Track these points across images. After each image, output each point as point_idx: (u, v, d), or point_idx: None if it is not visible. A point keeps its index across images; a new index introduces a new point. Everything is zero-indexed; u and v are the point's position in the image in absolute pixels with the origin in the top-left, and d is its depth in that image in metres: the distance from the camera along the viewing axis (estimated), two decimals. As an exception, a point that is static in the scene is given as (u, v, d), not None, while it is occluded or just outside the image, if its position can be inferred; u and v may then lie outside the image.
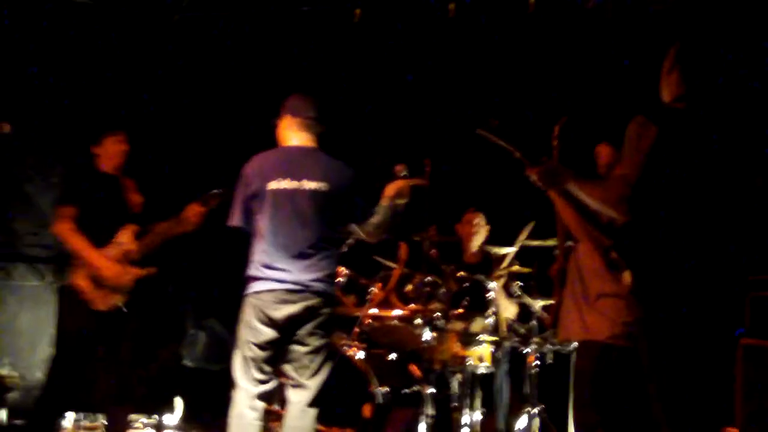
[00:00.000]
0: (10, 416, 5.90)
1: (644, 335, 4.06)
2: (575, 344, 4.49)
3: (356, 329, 5.54)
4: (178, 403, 6.47)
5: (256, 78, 6.95)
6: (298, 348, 4.28)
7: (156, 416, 5.99)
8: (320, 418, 4.39)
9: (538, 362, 5.61)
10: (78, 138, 5.81)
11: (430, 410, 5.15)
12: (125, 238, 5.25)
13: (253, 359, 4.25)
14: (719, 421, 4.98)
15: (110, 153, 5.39)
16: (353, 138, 6.54)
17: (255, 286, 4.31)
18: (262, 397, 4.28)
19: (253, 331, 4.27)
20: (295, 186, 4.32)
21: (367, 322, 5.51)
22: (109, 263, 5.15)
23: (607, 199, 3.80)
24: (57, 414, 5.35)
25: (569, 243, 4.28)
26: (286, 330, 4.26)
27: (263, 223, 4.33)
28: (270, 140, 4.55)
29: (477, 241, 6.27)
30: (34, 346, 6.29)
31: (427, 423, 5.12)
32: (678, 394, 5.19)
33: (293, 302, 4.25)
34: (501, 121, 4.19)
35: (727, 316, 5.09)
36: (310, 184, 4.32)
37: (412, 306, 5.37)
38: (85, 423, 6.00)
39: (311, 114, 4.47)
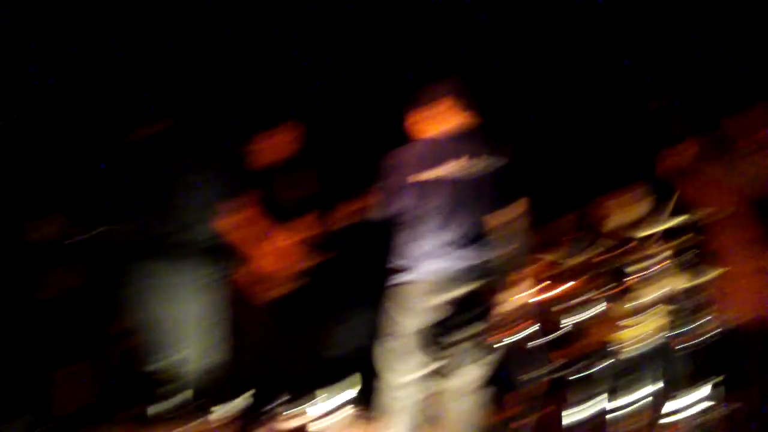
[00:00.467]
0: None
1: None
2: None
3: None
4: (356, 379, 6.48)
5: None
6: (459, 335, 4.26)
7: (336, 393, 6.02)
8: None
9: (708, 336, 5.43)
10: (241, 131, 5.87)
11: (581, 395, 5.07)
12: (294, 229, 5.28)
13: (409, 349, 4.25)
14: None
15: (280, 144, 5.42)
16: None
17: (411, 275, 4.32)
18: (418, 382, 4.27)
19: (408, 318, 4.27)
20: (452, 171, 4.32)
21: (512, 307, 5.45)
22: (268, 255, 5.22)
23: None
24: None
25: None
26: (449, 317, 4.24)
27: (425, 211, 4.33)
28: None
29: (618, 221, 6.12)
30: (206, 337, 6.37)
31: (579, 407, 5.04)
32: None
33: (456, 288, 4.24)
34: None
35: None
36: (468, 167, 4.32)
37: (558, 290, 5.29)
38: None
39: (449, 102, 4.46)
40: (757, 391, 4.08)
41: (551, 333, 5.42)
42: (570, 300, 5.22)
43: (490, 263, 4.29)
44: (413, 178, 4.35)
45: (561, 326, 5.28)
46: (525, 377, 5.15)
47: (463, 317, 4.23)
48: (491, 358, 4.28)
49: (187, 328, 6.10)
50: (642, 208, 6.03)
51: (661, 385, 5.71)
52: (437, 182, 4.31)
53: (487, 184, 4.30)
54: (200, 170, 6.08)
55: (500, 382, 5.06)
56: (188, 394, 5.91)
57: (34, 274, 5.95)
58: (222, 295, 5.46)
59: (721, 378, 5.19)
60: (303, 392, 5.61)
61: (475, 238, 4.26)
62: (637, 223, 6.01)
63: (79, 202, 6.26)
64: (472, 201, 4.28)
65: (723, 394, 5.19)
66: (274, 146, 5.43)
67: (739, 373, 4.24)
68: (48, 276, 5.96)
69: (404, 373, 4.25)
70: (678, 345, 5.40)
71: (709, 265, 4.36)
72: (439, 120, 4.46)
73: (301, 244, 5.30)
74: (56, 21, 6.28)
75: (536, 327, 5.38)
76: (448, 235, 4.27)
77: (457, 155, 4.33)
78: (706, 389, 5.27)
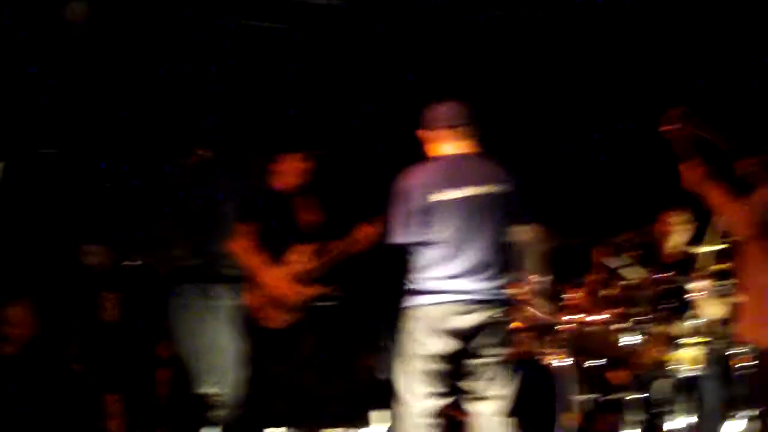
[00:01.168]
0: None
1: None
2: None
3: (553, 337, 5.47)
4: (373, 416, 6.51)
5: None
6: (480, 360, 4.18)
7: (352, 430, 6.03)
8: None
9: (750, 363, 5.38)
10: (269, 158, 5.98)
11: (635, 416, 5.02)
12: (295, 258, 5.35)
13: (428, 373, 4.17)
14: None
15: (287, 171, 5.51)
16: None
17: (429, 299, 4.21)
18: (433, 412, 4.18)
19: (428, 344, 4.18)
20: (464, 193, 4.22)
21: (564, 329, 5.43)
22: (279, 282, 5.27)
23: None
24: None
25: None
26: (467, 342, 4.16)
27: (432, 235, 4.24)
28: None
29: (674, 241, 6.07)
30: (234, 366, 6.46)
31: (633, 430, 5.00)
32: None
33: (475, 312, 4.15)
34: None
35: None
36: (479, 190, 4.22)
37: (612, 311, 5.26)
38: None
39: (461, 121, 4.36)
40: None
41: (608, 353, 5.41)
42: (625, 320, 5.16)
43: (504, 288, 4.23)
44: (424, 201, 4.26)
45: (618, 347, 5.22)
46: (581, 398, 5.13)
47: (484, 341, 4.17)
48: (515, 381, 4.21)
49: (220, 356, 6.21)
50: (692, 228, 6.03)
51: (716, 407, 5.67)
52: (449, 205, 4.23)
53: (501, 206, 4.22)
54: (229, 199, 6.20)
55: (556, 402, 5.07)
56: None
57: (85, 300, 6.07)
58: (241, 323, 5.51)
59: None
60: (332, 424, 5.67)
61: (489, 262, 4.19)
62: (690, 244, 6.00)
63: (121, 231, 6.40)
64: (485, 224, 4.20)
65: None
66: (287, 173, 5.53)
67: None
68: (97, 302, 6.08)
69: (425, 397, 4.16)
70: (734, 367, 5.36)
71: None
72: (451, 141, 4.37)
73: (312, 271, 5.38)
74: (92, 55, 6.41)
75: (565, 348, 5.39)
76: (462, 260, 4.19)
77: (468, 177, 4.26)
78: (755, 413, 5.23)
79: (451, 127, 4.36)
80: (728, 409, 5.42)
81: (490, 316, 4.16)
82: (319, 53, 6.77)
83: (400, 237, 4.32)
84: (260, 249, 5.28)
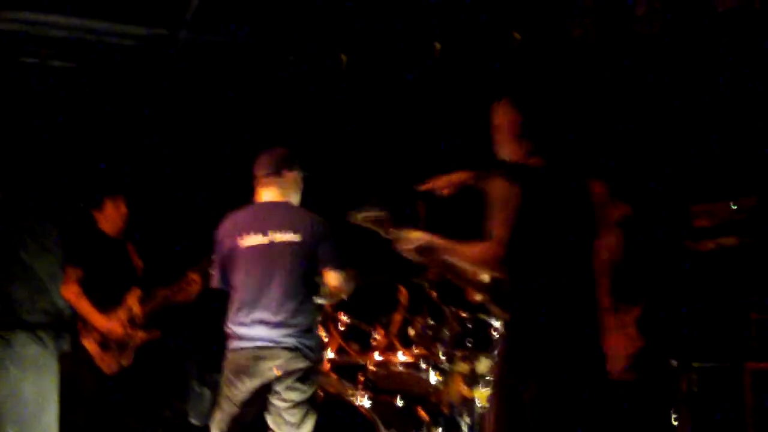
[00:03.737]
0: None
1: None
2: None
3: (361, 377, 5.50)
4: None
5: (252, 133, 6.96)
6: (277, 403, 4.31)
7: None
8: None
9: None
10: (73, 201, 5.86)
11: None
12: (132, 301, 5.28)
13: (231, 415, 4.31)
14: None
15: (111, 217, 5.47)
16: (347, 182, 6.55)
17: (232, 344, 4.36)
18: None
19: (231, 388, 4.32)
20: (265, 240, 4.36)
21: (371, 369, 5.47)
22: (114, 326, 5.19)
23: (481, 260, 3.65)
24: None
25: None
26: (262, 386, 4.28)
27: (235, 280, 4.38)
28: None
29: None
30: (39, 414, 6.24)
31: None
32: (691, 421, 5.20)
33: (266, 359, 4.27)
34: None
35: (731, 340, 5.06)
36: (279, 237, 4.35)
37: (416, 350, 5.34)
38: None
39: (270, 170, 4.50)
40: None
41: (414, 392, 5.47)
42: (430, 359, 5.24)
43: (303, 332, 4.35)
44: (229, 246, 4.41)
45: (423, 385, 5.29)
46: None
47: (278, 387, 4.30)
48: (311, 425, 4.36)
49: (23, 405, 6.02)
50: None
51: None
52: (248, 251, 4.36)
53: (303, 254, 4.35)
54: (35, 242, 6.06)
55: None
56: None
57: None
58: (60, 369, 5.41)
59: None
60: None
61: (289, 308, 4.31)
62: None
63: None
64: (284, 271, 4.32)
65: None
66: (111, 217, 5.48)
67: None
68: None
69: None
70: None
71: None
72: (264, 188, 4.52)
73: (146, 315, 5.33)
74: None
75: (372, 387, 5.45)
76: (262, 306, 4.31)
77: (269, 224, 4.38)
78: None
79: (263, 175, 4.50)
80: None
81: (289, 362, 4.27)
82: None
83: (214, 282, 4.50)
84: (90, 294, 5.28)
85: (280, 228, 4.37)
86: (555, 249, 3.58)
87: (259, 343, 4.31)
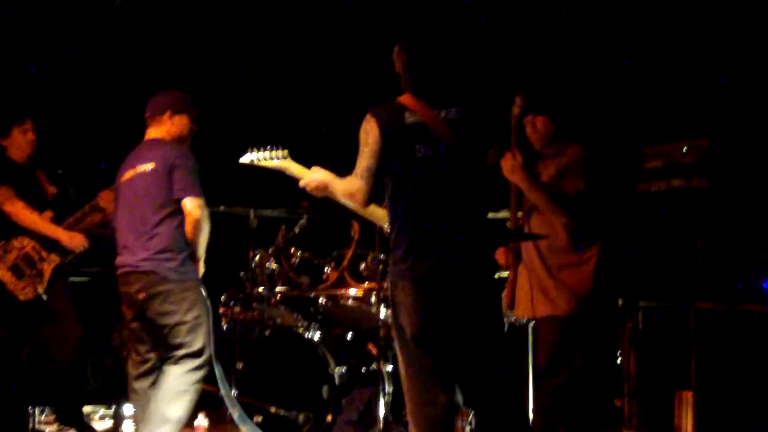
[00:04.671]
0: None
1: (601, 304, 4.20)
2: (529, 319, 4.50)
3: (311, 310, 5.52)
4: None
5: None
6: (157, 327, 4.51)
7: (114, 406, 5.88)
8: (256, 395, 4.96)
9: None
10: None
11: (388, 388, 5.14)
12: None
13: (129, 340, 4.67)
14: (674, 385, 5.03)
15: (19, 143, 5.39)
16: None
17: (118, 270, 4.64)
18: (139, 377, 4.59)
19: (125, 312, 4.63)
20: (131, 174, 4.62)
21: (322, 302, 5.48)
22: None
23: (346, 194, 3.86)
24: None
25: (520, 214, 4.33)
26: (137, 311, 4.53)
27: (115, 213, 4.72)
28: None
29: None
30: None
31: (385, 401, 5.10)
32: (635, 359, 5.29)
33: (130, 284, 4.52)
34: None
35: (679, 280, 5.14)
36: (141, 168, 4.59)
37: (366, 284, 5.34)
38: (42, 417, 5.91)
39: (153, 112, 4.73)
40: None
41: (363, 326, 5.49)
42: (379, 293, 5.24)
43: (158, 255, 4.51)
44: (116, 183, 4.76)
45: (372, 319, 5.31)
46: (337, 370, 5.19)
47: (149, 313, 4.53)
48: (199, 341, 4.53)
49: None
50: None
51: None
52: (121, 186, 4.68)
53: (159, 184, 4.53)
54: None
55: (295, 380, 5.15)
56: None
57: None
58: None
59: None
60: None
61: (144, 233, 4.52)
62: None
63: None
64: (143, 201, 4.55)
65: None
66: (19, 144, 5.41)
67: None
68: None
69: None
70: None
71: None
72: (149, 128, 4.77)
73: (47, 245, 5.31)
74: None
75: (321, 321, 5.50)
76: (124, 234, 4.60)
77: (136, 160, 4.65)
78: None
79: (149, 116, 4.75)
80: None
81: (143, 287, 4.47)
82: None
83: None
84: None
85: (144, 161, 4.60)
86: (424, 181, 3.72)
87: (122, 270, 4.57)
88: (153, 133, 4.74)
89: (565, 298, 4.22)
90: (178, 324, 4.46)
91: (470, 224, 3.73)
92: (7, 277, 5.19)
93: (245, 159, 4.14)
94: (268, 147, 4.07)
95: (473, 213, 3.77)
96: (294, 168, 4.04)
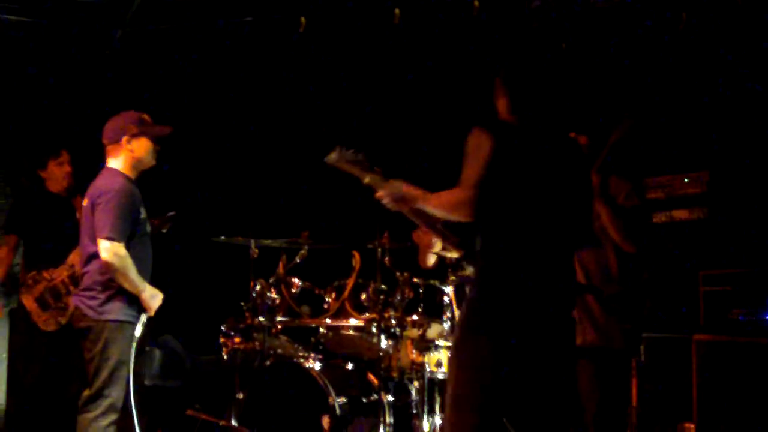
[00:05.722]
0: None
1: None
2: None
3: (312, 340, 5.51)
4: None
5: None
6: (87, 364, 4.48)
7: None
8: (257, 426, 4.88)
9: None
10: (23, 160, 5.78)
11: (389, 418, 5.11)
12: (75, 260, 5.24)
13: None
14: (676, 417, 5.01)
15: (56, 176, 5.43)
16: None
17: None
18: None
19: None
20: (84, 204, 4.61)
21: (323, 332, 5.46)
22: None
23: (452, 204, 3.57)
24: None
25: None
26: (82, 347, 4.50)
27: None
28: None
29: (437, 247, 6.20)
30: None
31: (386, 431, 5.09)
32: (637, 391, 5.26)
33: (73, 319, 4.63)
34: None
35: (680, 312, 5.13)
36: (84, 201, 4.59)
37: (367, 315, 5.33)
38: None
39: (104, 140, 4.64)
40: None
41: (363, 356, 5.48)
42: (380, 324, 5.23)
43: (85, 292, 4.52)
44: None
45: (372, 350, 5.29)
46: (337, 400, 5.16)
47: (87, 346, 4.48)
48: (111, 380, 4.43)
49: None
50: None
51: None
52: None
53: (91, 217, 4.50)
54: None
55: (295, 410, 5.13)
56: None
57: None
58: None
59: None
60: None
61: (84, 270, 4.56)
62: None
63: None
64: (84, 236, 4.56)
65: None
66: (55, 176, 5.46)
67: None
68: None
69: None
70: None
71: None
72: (108, 155, 4.65)
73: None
74: None
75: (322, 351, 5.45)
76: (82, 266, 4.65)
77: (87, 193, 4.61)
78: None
79: (105, 143, 4.67)
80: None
81: (77, 319, 4.51)
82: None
83: None
84: (33, 254, 5.43)
85: (86, 194, 4.59)
86: (530, 203, 3.55)
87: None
88: (109, 161, 4.64)
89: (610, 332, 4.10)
90: (91, 360, 4.42)
91: (566, 260, 3.65)
92: (34, 307, 5.26)
93: (331, 158, 3.77)
94: (352, 150, 3.77)
95: (568, 247, 3.67)
96: (373, 178, 3.77)
